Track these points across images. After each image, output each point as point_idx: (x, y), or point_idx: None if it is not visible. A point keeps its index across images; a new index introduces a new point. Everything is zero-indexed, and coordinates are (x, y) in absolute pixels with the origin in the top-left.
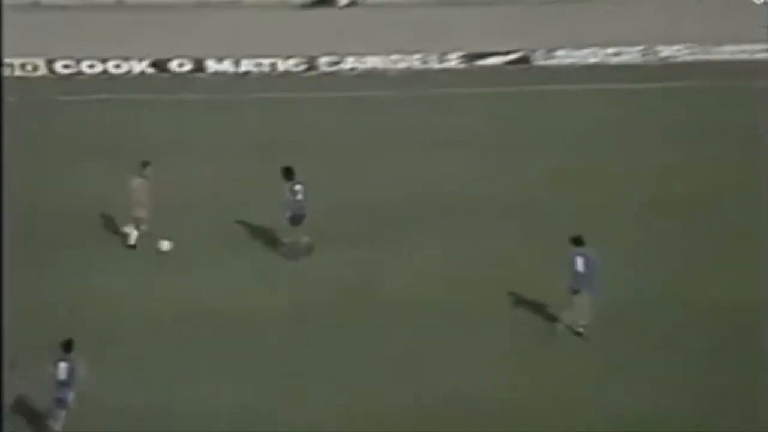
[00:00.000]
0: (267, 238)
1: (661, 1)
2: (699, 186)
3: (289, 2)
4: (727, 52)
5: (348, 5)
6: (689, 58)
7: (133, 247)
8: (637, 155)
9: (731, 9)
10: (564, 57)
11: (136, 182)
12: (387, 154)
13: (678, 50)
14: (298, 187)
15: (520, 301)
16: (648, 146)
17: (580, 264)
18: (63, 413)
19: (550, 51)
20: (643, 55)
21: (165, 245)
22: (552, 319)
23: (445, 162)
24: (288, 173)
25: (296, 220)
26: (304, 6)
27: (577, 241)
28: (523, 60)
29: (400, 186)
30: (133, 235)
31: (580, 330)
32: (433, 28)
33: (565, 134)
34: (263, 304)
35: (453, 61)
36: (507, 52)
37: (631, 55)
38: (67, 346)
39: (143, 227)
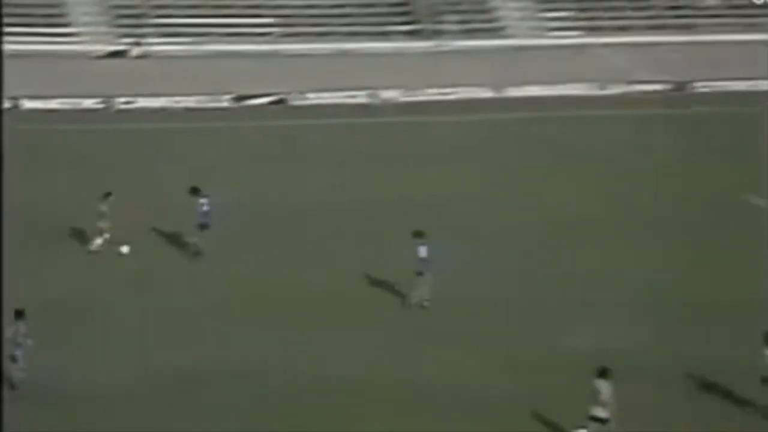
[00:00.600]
0: (179, 241)
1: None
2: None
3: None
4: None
5: (139, 57)
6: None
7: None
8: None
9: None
10: (314, 98)
11: (103, 205)
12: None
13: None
14: (203, 200)
15: (376, 283)
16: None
17: (423, 252)
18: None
19: (302, 93)
20: (368, 97)
21: (124, 249)
22: (402, 296)
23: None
24: (194, 191)
25: (203, 227)
26: (100, 57)
27: (418, 234)
28: (281, 101)
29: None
30: (96, 242)
31: (425, 304)
32: (208, 75)
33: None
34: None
35: (224, 102)
36: (268, 95)
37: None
38: (18, 315)
39: (105, 236)
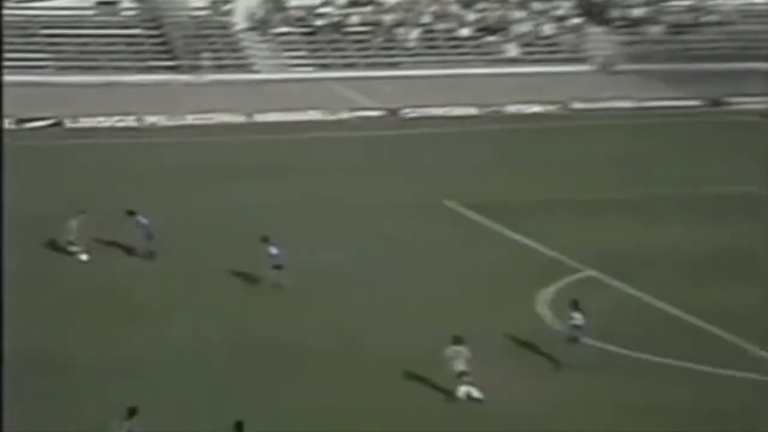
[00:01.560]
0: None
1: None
2: None
3: None
4: None
5: None
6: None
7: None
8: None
9: None
10: (87, 122)
11: (73, 221)
12: None
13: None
14: (140, 217)
15: (238, 274)
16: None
17: (273, 250)
18: None
19: (76, 117)
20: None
21: (83, 257)
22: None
23: None
24: (130, 212)
25: (149, 237)
26: None
27: (265, 239)
28: (58, 124)
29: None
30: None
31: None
32: None
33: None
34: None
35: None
36: (47, 118)
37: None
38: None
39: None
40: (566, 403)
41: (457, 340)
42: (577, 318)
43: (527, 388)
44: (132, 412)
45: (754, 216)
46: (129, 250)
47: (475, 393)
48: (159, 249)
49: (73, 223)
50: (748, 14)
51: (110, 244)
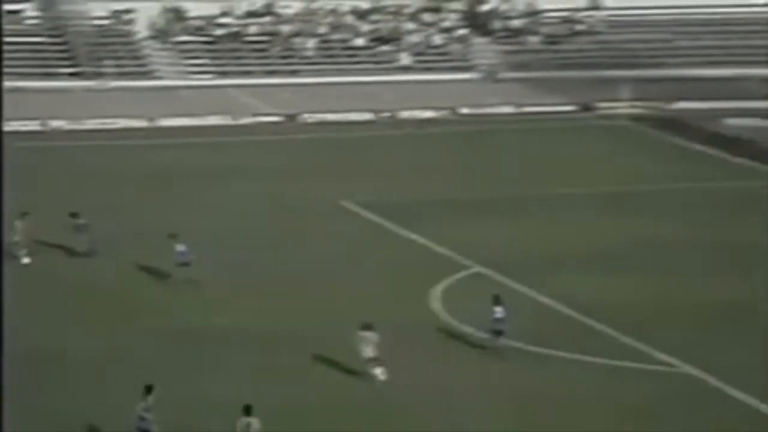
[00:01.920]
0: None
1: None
2: None
3: None
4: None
5: None
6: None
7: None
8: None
9: None
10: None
11: (18, 223)
12: None
13: None
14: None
15: (146, 269)
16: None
17: (179, 248)
18: None
19: None
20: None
21: (25, 260)
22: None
23: None
24: (73, 215)
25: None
26: None
27: (173, 236)
28: None
29: None
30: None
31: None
32: None
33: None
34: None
35: None
36: None
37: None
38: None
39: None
40: (462, 388)
41: (366, 326)
42: (499, 311)
43: (426, 376)
44: (149, 390)
45: (628, 212)
46: (70, 251)
47: (381, 376)
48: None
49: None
50: (614, 25)
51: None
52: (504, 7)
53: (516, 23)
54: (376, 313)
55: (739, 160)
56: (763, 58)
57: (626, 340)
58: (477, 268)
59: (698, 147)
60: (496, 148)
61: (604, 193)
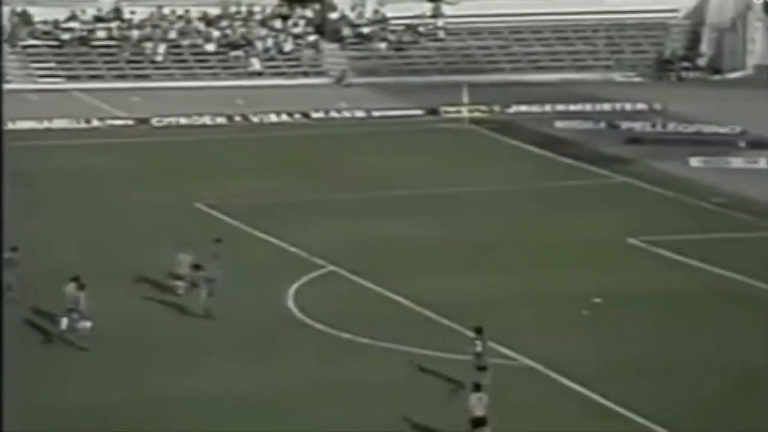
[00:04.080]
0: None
1: None
2: None
3: None
4: None
5: None
6: None
7: None
8: None
9: None
10: None
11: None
12: None
13: None
14: None
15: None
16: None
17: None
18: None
19: None
20: None
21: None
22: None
23: None
24: None
25: None
26: None
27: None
28: None
29: None
30: None
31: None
32: None
33: None
34: None
35: None
36: None
37: None
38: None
39: None
40: (314, 383)
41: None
42: (479, 345)
43: (275, 371)
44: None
45: (470, 212)
46: None
47: None
48: None
49: None
50: (454, 32)
51: None
52: (353, 14)
53: (365, 30)
54: (232, 313)
55: (565, 160)
56: (591, 63)
57: (471, 335)
58: (330, 268)
59: (531, 149)
60: (347, 151)
61: (447, 194)
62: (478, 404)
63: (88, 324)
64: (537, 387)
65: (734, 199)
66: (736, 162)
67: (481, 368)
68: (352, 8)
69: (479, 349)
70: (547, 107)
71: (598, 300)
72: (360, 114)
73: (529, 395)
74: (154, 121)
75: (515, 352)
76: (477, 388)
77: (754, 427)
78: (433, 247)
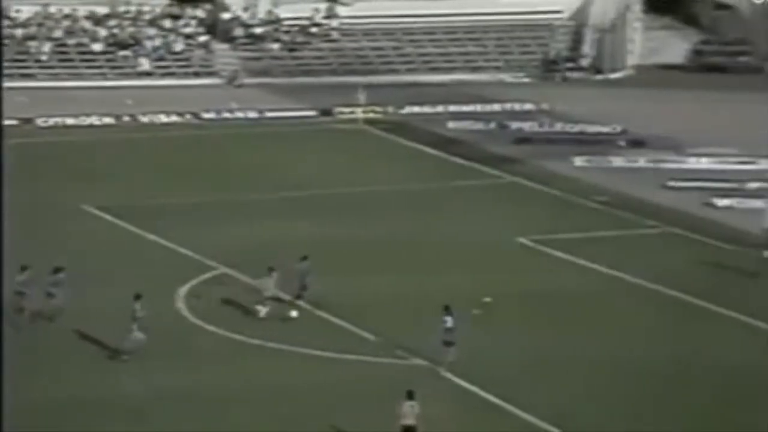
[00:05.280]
0: None
1: None
2: None
3: None
4: None
5: None
6: None
7: None
8: None
9: None
10: None
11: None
12: None
13: None
14: None
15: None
16: None
17: None
18: None
19: None
20: None
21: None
22: None
23: None
24: None
25: None
26: None
27: None
28: None
29: None
30: None
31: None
32: None
33: None
34: None
35: None
36: None
37: None
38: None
39: None
40: (206, 385)
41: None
42: (449, 321)
43: (169, 374)
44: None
45: (366, 213)
46: None
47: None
48: None
49: None
50: (348, 33)
51: None
52: (246, 15)
53: (257, 30)
54: (123, 315)
55: (457, 160)
56: (482, 64)
57: (366, 335)
58: (221, 269)
59: (424, 149)
60: (239, 152)
61: (340, 195)
62: (409, 412)
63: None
64: (429, 386)
65: (616, 198)
66: (617, 161)
67: (448, 343)
68: (245, 9)
69: (449, 324)
70: (440, 108)
71: (488, 299)
72: (253, 115)
73: (420, 394)
74: (40, 122)
75: (408, 351)
76: (410, 396)
77: (647, 424)
78: (327, 248)
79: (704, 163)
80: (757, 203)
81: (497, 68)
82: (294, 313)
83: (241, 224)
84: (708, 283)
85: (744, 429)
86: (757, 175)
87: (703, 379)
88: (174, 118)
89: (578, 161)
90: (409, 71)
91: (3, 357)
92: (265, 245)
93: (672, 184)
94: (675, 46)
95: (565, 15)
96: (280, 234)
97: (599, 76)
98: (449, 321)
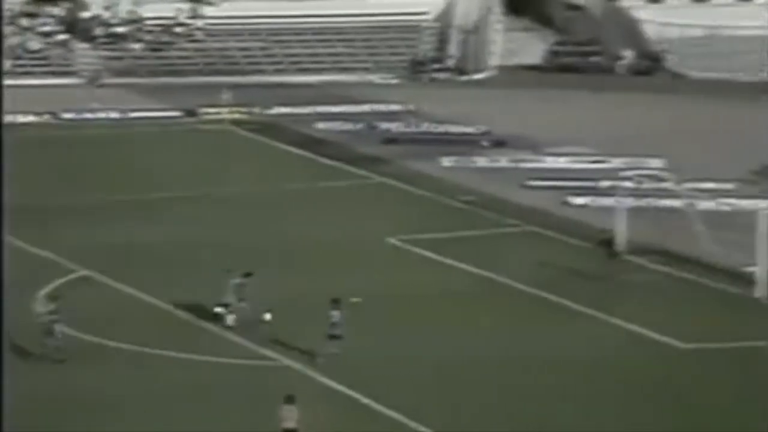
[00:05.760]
0: None
1: None
2: None
3: None
4: None
5: None
6: None
7: None
8: None
9: None
10: None
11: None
12: None
13: None
14: None
15: None
16: None
17: None
18: None
19: None
20: None
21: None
22: None
23: None
24: None
25: None
26: None
27: None
28: None
29: None
30: None
31: None
32: None
33: None
34: None
35: None
36: None
37: None
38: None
39: None
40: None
41: None
42: (335, 316)
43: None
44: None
45: (233, 214)
46: None
47: None
48: None
49: None
50: (213, 33)
51: None
52: (107, 14)
53: (119, 30)
54: None
55: (326, 161)
56: (350, 65)
57: (231, 337)
58: (83, 272)
59: (292, 150)
60: (101, 153)
61: (206, 196)
62: (289, 416)
63: None
64: (298, 387)
65: (481, 197)
66: (482, 161)
67: (334, 337)
68: (106, 7)
69: (335, 319)
70: (308, 109)
71: (356, 300)
72: (115, 115)
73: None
74: None
75: (276, 352)
76: (290, 399)
77: (513, 421)
78: (192, 250)
79: (561, 163)
80: (610, 201)
81: (366, 69)
82: (267, 316)
83: (103, 225)
84: (564, 281)
85: (601, 423)
86: (610, 174)
87: (564, 374)
88: (30, 119)
89: (445, 161)
90: (277, 72)
91: (3, 357)
92: (128, 247)
93: (531, 183)
94: (533, 47)
95: (431, 16)
96: (143, 235)
97: (464, 77)
98: (336, 315)
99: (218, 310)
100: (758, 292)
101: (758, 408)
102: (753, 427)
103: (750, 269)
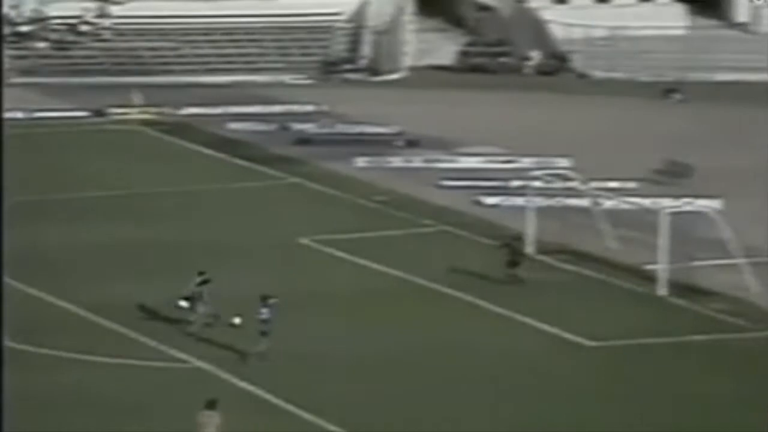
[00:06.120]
0: None
1: None
2: None
3: None
4: None
5: None
6: None
7: None
8: None
9: None
10: None
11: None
12: None
13: None
14: None
15: None
16: None
17: None
18: None
19: None
20: None
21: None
22: None
23: None
24: None
25: None
26: None
27: None
28: None
29: None
30: None
31: None
32: None
33: None
34: None
35: None
36: None
37: None
38: None
39: None
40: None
41: None
42: (264, 312)
43: None
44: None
45: (145, 215)
46: None
47: None
48: None
49: None
50: (122, 32)
51: None
52: (11, 12)
53: (24, 29)
54: None
55: (238, 161)
56: (262, 66)
57: (144, 339)
58: None
59: (203, 150)
60: (6, 154)
61: (117, 197)
62: (208, 422)
63: None
64: (208, 388)
65: (395, 197)
66: (396, 161)
67: (264, 333)
68: (12, 6)
69: (264, 316)
70: (220, 109)
71: (273, 300)
72: (19, 115)
73: (199, 396)
74: None
75: (187, 353)
76: (211, 405)
77: (431, 422)
78: (104, 251)
79: (473, 162)
80: (519, 201)
81: (277, 69)
82: (237, 320)
83: (12, 228)
84: (475, 281)
85: (505, 419)
86: (520, 174)
87: (472, 371)
88: None
89: (360, 162)
90: (187, 72)
91: (3, 356)
92: (39, 249)
93: (444, 183)
94: (445, 47)
95: (344, 16)
96: (54, 237)
97: (377, 78)
98: (265, 312)
99: (182, 303)
100: (660, 290)
101: (655, 401)
102: (652, 419)
103: (652, 267)
